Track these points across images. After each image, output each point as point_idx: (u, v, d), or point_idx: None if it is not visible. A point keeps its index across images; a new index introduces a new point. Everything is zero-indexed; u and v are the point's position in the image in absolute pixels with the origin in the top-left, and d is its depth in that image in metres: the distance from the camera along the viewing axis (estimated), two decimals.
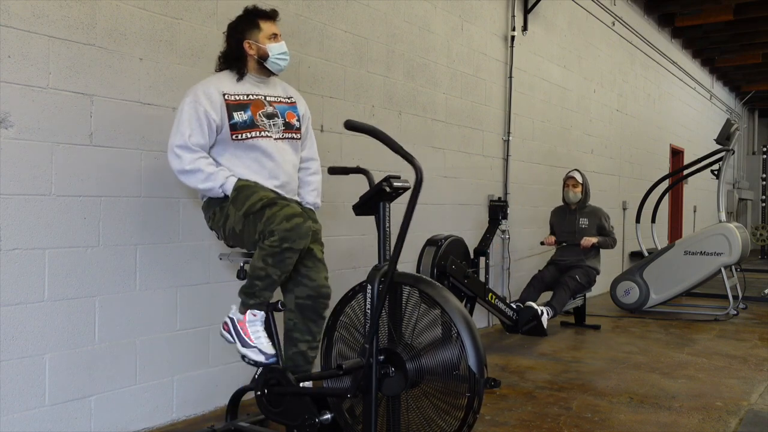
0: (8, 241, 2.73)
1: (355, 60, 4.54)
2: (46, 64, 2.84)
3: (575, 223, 6.09)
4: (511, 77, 6.41)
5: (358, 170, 3.08)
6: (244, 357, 2.80)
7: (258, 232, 2.71)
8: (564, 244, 6.07)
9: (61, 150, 2.90)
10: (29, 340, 2.81)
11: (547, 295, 5.88)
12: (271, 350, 2.77)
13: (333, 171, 3.18)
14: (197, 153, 2.73)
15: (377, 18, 4.74)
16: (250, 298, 2.78)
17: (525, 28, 6.61)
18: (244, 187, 2.76)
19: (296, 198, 3.00)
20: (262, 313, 2.80)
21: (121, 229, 3.13)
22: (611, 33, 8.75)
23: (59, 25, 2.88)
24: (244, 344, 2.77)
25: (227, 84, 2.83)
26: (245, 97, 2.83)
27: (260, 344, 2.76)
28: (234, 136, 2.78)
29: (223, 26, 3.25)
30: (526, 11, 6.61)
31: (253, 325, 2.77)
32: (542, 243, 6.27)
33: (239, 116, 2.78)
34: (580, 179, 6.10)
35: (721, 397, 3.95)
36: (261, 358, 2.75)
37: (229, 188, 2.76)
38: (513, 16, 6.45)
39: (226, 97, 2.78)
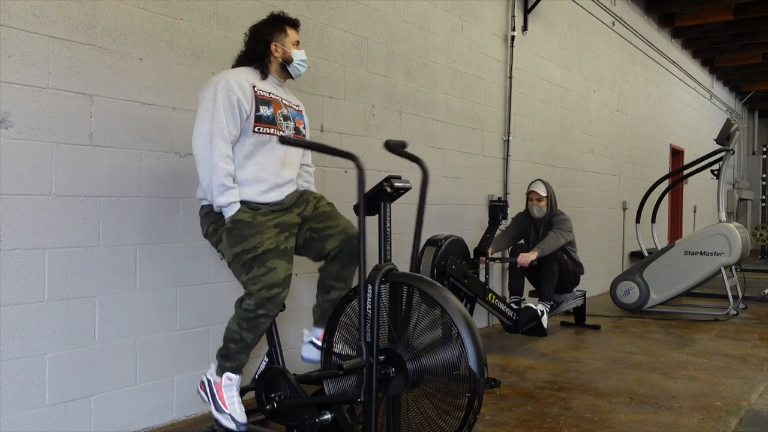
0: (8, 241, 2.73)
1: (355, 60, 4.54)
2: (46, 64, 2.84)
3: (540, 233, 5.64)
4: (511, 77, 6.41)
5: (414, 159, 2.78)
6: (216, 421, 2.82)
7: (240, 279, 2.78)
8: (497, 260, 5.61)
9: (61, 150, 2.90)
10: (29, 340, 2.81)
11: (531, 291, 5.76)
12: (243, 419, 2.78)
13: (391, 147, 2.81)
14: (229, 147, 2.72)
15: (377, 18, 4.74)
16: (226, 361, 2.82)
17: (525, 28, 6.61)
18: (240, 224, 2.72)
19: (294, 187, 2.99)
20: (238, 377, 2.83)
21: (121, 229, 3.13)
22: (611, 33, 8.76)
23: (59, 25, 2.88)
24: (218, 409, 2.79)
25: (254, 78, 2.87)
26: (269, 94, 2.88)
27: (233, 411, 2.77)
28: (256, 128, 2.80)
29: (224, 26, 3.26)
30: (526, 11, 6.61)
31: (229, 390, 2.80)
32: (480, 257, 5.32)
33: (264, 110, 2.82)
34: (543, 192, 5.58)
35: (721, 397, 3.95)
36: (232, 426, 2.77)
37: (226, 213, 2.74)
38: (513, 16, 6.45)
39: (255, 89, 2.82)
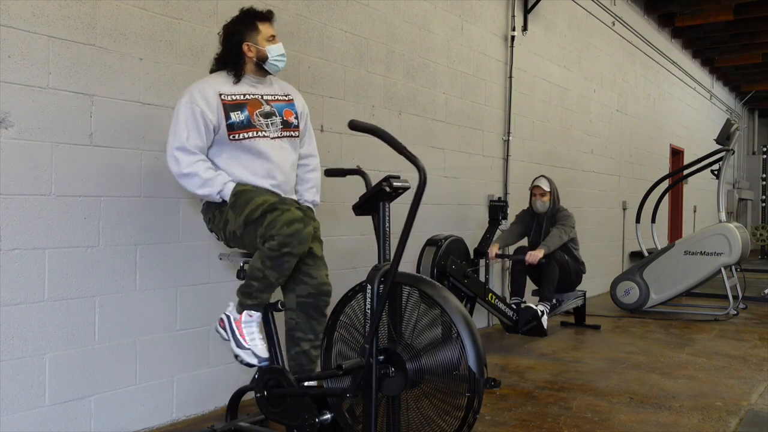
0: (8, 241, 2.73)
1: (355, 60, 4.54)
2: (46, 64, 2.84)
3: (543, 230, 5.69)
4: (511, 77, 6.41)
5: (355, 172, 3.07)
6: (236, 357, 2.80)
7: (258, 236, 2.71)
8: (506, 257, 5.65)
9: (61, 150, 2.90)
10: (29, 340, 2.81)
11: (534, 291, 5.77)
12: (264, 353, 2.77)
13: (330, 173, 3.16)
14: (195, 156, 2.73)
15: (377, 18, 4.74)
16: (247, 299, 2.78)
17: (525, 28, 6.61)
18: (242, 192, 2.75)
19: (294, 197, 3.00)
20: (259, 314, 2.80)
21: (121, 229, 3.13)
22: (611, 33, 8.76)
23: (59, 25, 2.88)
24: (239, 345, 2.77)
25: (223, 84, 2.82)
26: (242, 97, 2.83)
27: (254, 347, 2.76)
28: (231, 137, 2.77)
29: None
30: (526, 11, 6.61)
31: (249, 326, 2.77)
32: (484, 254, 5.42)
33: (236, 116, 2.77)
34: (547, 187, 5.67)
35: (721, 397, 3.95)
36: (254, 361, 2.76)
37: (227, 194, 2.75)
38: (513, 16, 6.45)
39: (222, 97, 2.78)
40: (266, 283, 2.73)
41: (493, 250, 5.36)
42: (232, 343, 2.79)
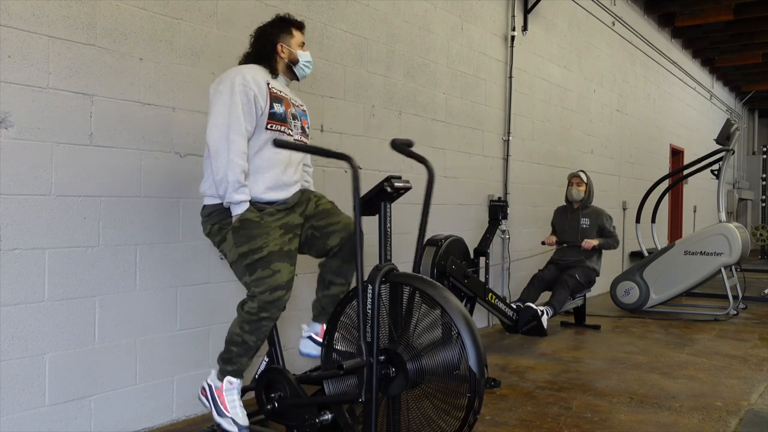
0: (8, 241, 2.73)
1: (355, 60, 4.54)
2: (46, 64, 2.84)
3: (577, 223, 6.08)
4: (511, 77, 6.41)
5: (421, 159, 2.80)
6: (218, 425, 2.82)
7: (243, 280, 2.78)
8: (564, 245, 6.06)
9: (61, 150, 2.89)
10: (29, 340, 2.81)
11: (547, 295, 5.88)
12: (244, 422, 2.78)
13: (396, 147, 2.87)
14: (245, 149, 2.71)
15: (377, 18, 4.74)
16: (227, 365, 2.81)
17: (525, 28, 6.61)
18: (248, 224, 2.71)
19: (299, 187, 3.00)
20: (238, 381, 2.83)
21: (121, 229, 3.13)
22: (611, 33, 8.75)
23: (59, 25, 2.88)
24: (220, 413, 2.79)
25: (267, 75, 2.88)
26: (280, 93, 2.90)
27: (235, 415, 2.77)
28: (269, 125, 2.80)
29: (224, 26, 3.25)
30: (526, 11, 6.61)
31: (230, 393, 2.80)
32: (543, 243, 6.26)
33: (278, 108, 2.84)
34: (585, 179, 6.13)
35: (721, 397, 3.95)
36: (234, 429, 2.77)
37: (236, 210, 2.71)
38: (513, 16, 6.45)
39: (269, 86, 2.83)
40: (245, 348, 2.77)
41: (552, 238, 6.15)
42: (213, 412, 2.81)
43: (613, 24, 8.76)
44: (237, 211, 2.72)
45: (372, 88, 4.70)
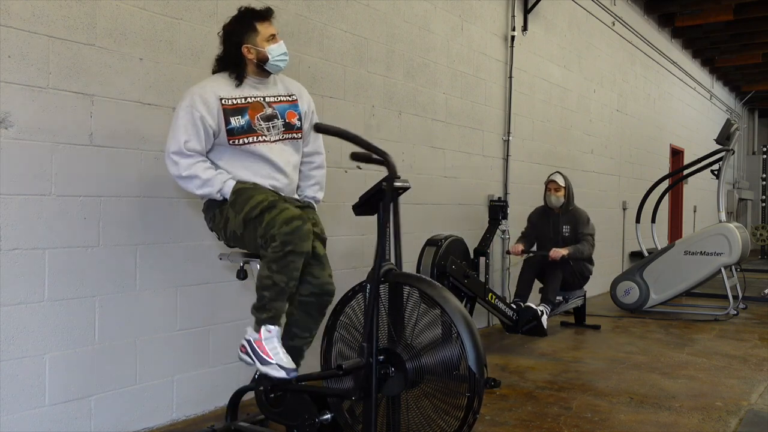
0: (8, 241, 2.73)
1: (355, 60, 4.54)
2: (46, 64, 2.84)
3: (558, 228, 5.79)
4: (511, 77, 6.41)
5: (380, 161, 2.77)
6: (265, 375, 2.74)
7: (259, 237, 2.68)
8: (531, 254, 5.76)
9: (61, 150, 2.90)
10: (29, 340, 2.81)
11: (539, 292, 5.80)
12: (291, 365, 2.69)
13: (356, 157, 2.87)
14: (193, 158, 2.71)
15: (377, 18, 4.74)
16: (261, 313, 2.72)
17: (525, 28, 6.61)
18: (242, 190, 2.73)
19: (296, 196, 2.99)
20: (276, 328, 2.73)
21: (121, 229, 3.13)
22: (611, 33, 8.75)
23: (59, 25, 2.88)
24: (264, 362, 2.69)
25: (224, 87, 2.78)
26: (243, 101, 2.78)
27: (279, 360, 2.68)
28: (231, 141, 2.75)
29: None
30: (526, 11, 6.61)
31: (270, 341, 2.70)
32: (508, 252, 5.91)
33: (236, 121, 2.74)
34: (562, 182, 5.78)
35: (721, 397, 3.95)
36: (282, 374, 2.67)
37: (227, 192, 2.74)
38: (513, 16, 6.45)
39: (222, 101, 2.74)
40: (277, 290, 2.67)
41: (518, 247, 5.69)
42: (257, 363, 2.71)
43: (613, 24, 8.76)
44: (227, 188, 2.73)
45: (372, 88, 4.70)
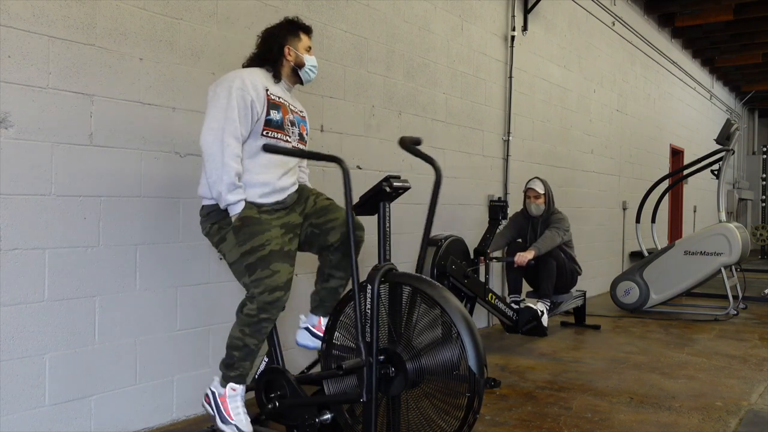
0: (8, 241, 2.73)
1: (355, 60, 4.54)
2: (46, 64, 2.84)
3: (537, 233, 5.62)
4: (511, 77, 6.41)
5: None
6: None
7: (242, 280, 2.79)
8: (494, 260, 5.53)
9: (61, 150, 2.90)
10: (29, 340, 2.81)
11: (528, 293, 5.78)
12: (248, 429, 2.76)
13: (404, 145, 2.95)
14: (239, 150, 2.70)
15: (377, 18, 4.74)
16: (229, 371, 2.80)
17: (525, 28, 6.61)
18: (250, 221, 2.71)
19: (295, 188, 3.00)
20: (242, 387, 2.81)
21: (121, 229, 3.13)
22: (611, 33, 8.75)
23: (59, 25, 2.88)
24: (224, 420, 2.77)
25: (268, 81, 2.86)
26: (279, 99, 2.87)
27: (239, 422, 2.76)
28: (265, 132, 2.79)
29: (224, 26, 3.26)
30: (526, 11, 6.61)
31: (234, 400, 2.78)
32: (479, 259, 5.30)
33: (274, 115, 2.82)
34: (541, 190, 5.57)
35: (721, 397, 3.95)
36: None
37: (233, 210, 2.71)
38: (513, 16, 6.45)
39: (268, 92, 2.81)
40: (246, 351, 2.76)
41: (488, 253, 5.25)
42: (217, 419, 2.79)
43: (613, 24, 8.76)
44: (235, 210, 2.71)
45: (372, 88, 4.70)
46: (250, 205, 2.74)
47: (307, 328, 3.06)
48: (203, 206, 2.89)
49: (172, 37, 3.34)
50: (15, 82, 2.74)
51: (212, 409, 2.82)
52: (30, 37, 2.78)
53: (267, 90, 2.81)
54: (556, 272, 5.46)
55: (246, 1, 3.73)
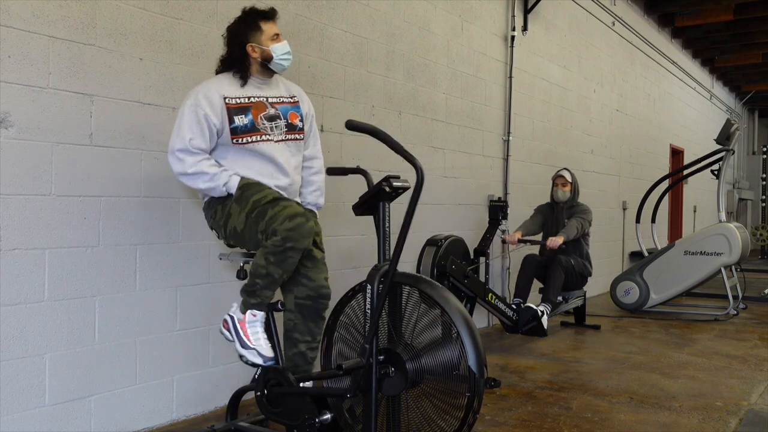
0: (8, 241, 2.73)
1: (355, 60, 4.54)
2: (46, 64, 2.84)
3: (561, 221, 5.90)
4: (511, 77, 6.41)
5: (356, 171, 3.07)
6: (241, 357, 2.79)
7: (260, 231, 2.69)
8: (527, 243, 5.79)
9: (61, 150, 2.90)
10: (29, 340, 2.81)
11: (538, 289, 5.82)
12: (269, 353, 2.75)
13: (331, 172, 3.17)
14: (199, 155, 2.72)
15: (377, 18, 4.74)
16: (250, 297, 2.76)
17: (525, 28, 6.61)
18: (248, 185, 2.76)
19: (298, 199, 3.00)
20: (263, 313, 2.78)
21: (121, 229, 3.13)
22: (611, 33, 8.76)
23: (59, 25, 2.88)
24: (243, 345, 2.75)
25: (228, 87, 2.80)
26: (246, 100, 2.81)
27: (259, 346, 2.74)
28: (234, 140, 2.76)
29: (223, 26, 3.24)
30: (526, 11, 6.61)
31: (253, 326, 2.75)
32: (503, 241, 5.93)
33: (240, 120, 2.76)
34: (569, 178, 5.97)
35: (721, 397, 3.95)
36: (259, 360, 2.74)
37: (232, 186, 2.75)
38: (513, 16, 6.45)
39: (226, 100, 2.76)
40: (270, 280, 2.71)
41: (516, 235, 5.69)
42: (237, 344, 2.77)
43: (613, 24, 8.76)
44: (232, 183, 2.75)
45: (372, 88, 4.70)
46: (245, 177, 2.77)
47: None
48: (205, 201, 2.90)
49: (172, 37, 3.34)
50: (15, 82, 2.74)
51: (231, 334, 2.78)
52: (30, 37, 2.78)
53: (225, 98, 2.75)
54: (563, 279, 5.60)
55: (246, 1, 3.72)
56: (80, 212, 2.97)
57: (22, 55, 2.76)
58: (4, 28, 2.70)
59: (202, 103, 2.72)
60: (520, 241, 5.68)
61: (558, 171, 6.13)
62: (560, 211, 5.96)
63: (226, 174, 2.75)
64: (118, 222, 3.12)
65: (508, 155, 6.42)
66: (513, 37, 6.43)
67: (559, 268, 5.56)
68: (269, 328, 2.86)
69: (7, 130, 2.72)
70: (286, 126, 2.89)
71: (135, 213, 3.19)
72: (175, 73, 3.36)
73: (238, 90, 2.81)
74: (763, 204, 15.06)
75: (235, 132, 2.75)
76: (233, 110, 2.76)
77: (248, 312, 2.76)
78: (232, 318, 2.80)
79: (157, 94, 3.28)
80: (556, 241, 5.51)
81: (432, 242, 4.75)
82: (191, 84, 3.39)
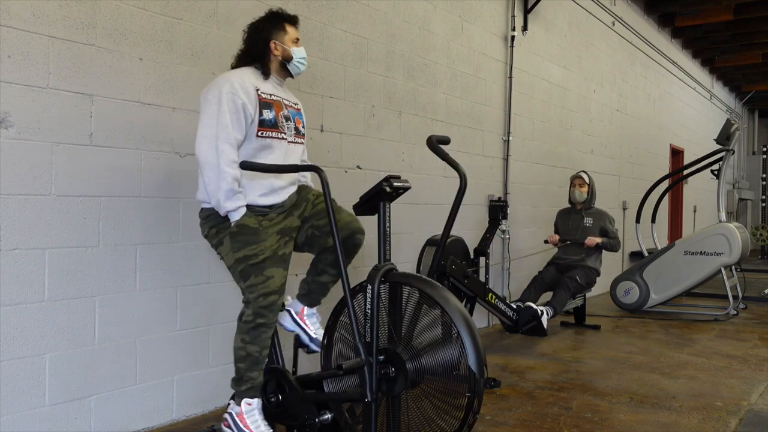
0: (8, 241, 2.73)
1: (355, 60, 4.54)
2: (46, 64, 2.84)
3: (580, 222, 6.14)
4: (511, 77, 6.41)
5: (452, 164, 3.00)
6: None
7: (239, 284, 2.79)
8: (568, 242, 6.09)
9: (61, 150, 2.90)
10: (29, 340, 2.81)
11: (547, 296, 5.88)
12: None
13: (431, 146, 3.08)
14: (235, 155, 2.68)
15: (377, 18, 4.74)
16: (240, 385, 2.79)
17: (525, 28, 6.61)
18: (246, 228, 2.70)
19: (295, 187, 2.99)
20: (257, 400, 2.79)
21: (121, 229, 3.13)
22: (611, 33, 8.75)
23: (59, 25, 2.88)
24: None
25: (257, 80, 2.83)
26: (270, 97, 2.83)
27: None
28: (259, 133, 2.76)
29: (224, 26, 3.26)
30: (526, 11, 6.61)
31: (251, 415, 2.77)
32: (546, 242, 6.29)
33: (267, 114, 2.78)
34: (587, 179, 6.19)
35: (721, 397, 3.95)
36: None
37: (234, 217, 2.70)
38: (513, 16, 6.45)
39: (259, 92, 2.78)
40: (251, 361, 2.76)
41: (556, 237, 6.16)
42: None
43: (613, 24, 8.76)
44: (234, 217, 2.70)
45: (372, 88, 4.70)
46: (250, 213, 2.72)
47: (288, 311, 3.05)
48: (202, 209, 2.87)
49: (172, 37, 3.34)
50: (15, 82, 2.74)
51: (233, 430, 2.78)
52: (30, 37, 2.78)
53: (258, 90, 2.77)
54: (569, 299, 5.83)
55: (246, 1, 3.73)
56: (80, 212, 2.97)
57: (22, 55, 2.76)
58: (4, 28, 2.70)
59: (239, 92, 2.71)
60: (560, 240, 6.10)
61: (576, 173, 6.37)
62: (577, 213, 6.20)
63: (238, 202, 2.68)
64: (118, 222, 3.12)
65: (508, 155, 6.42)
66: (513, 37, 6.42)
67: (566, 290, 5.74)
68: (272, 340, 2.86)
69: (7, 130, 2.72)
70: (295, 129, 2.93)
71: (135, 213, 3.19)
72: (175, 73, 3.36)
73: (264, 84, 2.84)
74: (763, 204, 15.05)
75: (262, 125, 2.77)
76: (263, 103, 2.78)
77: (243, 402, 2.77)
78: (231, 415, 2.80)
79: (157, 94, 3.28)
80: (594, 240, 5.95)
81: (432, 242, 4.74)
82: (191, 84, 3.40)
